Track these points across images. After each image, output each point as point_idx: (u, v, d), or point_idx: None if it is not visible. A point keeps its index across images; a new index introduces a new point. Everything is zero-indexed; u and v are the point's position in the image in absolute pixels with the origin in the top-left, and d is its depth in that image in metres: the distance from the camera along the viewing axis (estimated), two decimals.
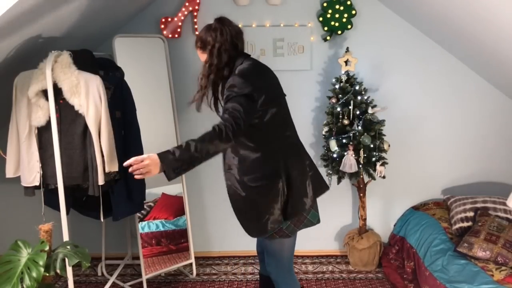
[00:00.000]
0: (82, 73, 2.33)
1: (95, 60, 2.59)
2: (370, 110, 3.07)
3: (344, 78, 3.12)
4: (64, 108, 2.36)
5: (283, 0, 3.23)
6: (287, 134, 2.11)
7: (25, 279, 1.67)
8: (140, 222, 3.07)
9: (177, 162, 1.83)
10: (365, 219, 3.34)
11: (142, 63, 3.14)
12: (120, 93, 2.68)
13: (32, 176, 2.42)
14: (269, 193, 2.00)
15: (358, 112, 3.06)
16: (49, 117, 2.33)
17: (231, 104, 1.89)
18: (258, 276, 2.33)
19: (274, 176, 2.01)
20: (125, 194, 2.73)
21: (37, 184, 2.43)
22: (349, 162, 3.00)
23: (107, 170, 2.40)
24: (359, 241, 3.30)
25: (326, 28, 3.26)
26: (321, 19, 3.25)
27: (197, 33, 2.05)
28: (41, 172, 2.42)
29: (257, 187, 2.00)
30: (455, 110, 3.43)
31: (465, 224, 2.97)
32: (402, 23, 3.32)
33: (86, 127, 2.37)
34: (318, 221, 2.19)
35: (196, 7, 3.21)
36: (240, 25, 3.32)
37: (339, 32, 3.26)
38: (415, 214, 3.38)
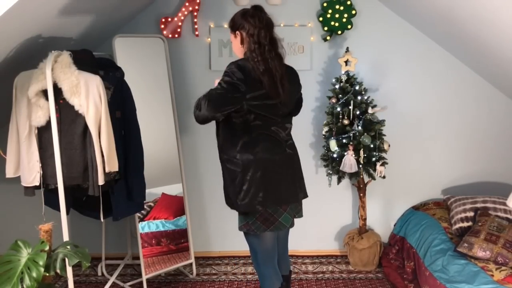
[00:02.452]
0: (82, 73, 2.33)
1: (95, 60, 2.59)
2: (370, 110, 3.07)
3: (344, 78, 3.12)
4: (64, 108, 2.35)
5: (283, 0, 3.24)
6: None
7: (25, 279, 1.67)
8: (140, 222, 3.07)
9: None
10: (365, 219, 3.35)
11: (142, 63, 3.14)
12: (120, 93, 2.67)
13: (32, 176, 2.42)
14: (236, 178, 2.14)
15: (358, 112, 3.06)
16: (49, 117, 2.32)
17: None
18: (258, 276, 2.36)
19: (242, 166, 2.12)
20: (125, 194, 2.73)
21: (37, 184, 2.42)
22: (349, 162, 3.00)
23: (107, 170, 2.40)
24: (359, 241, 3.30)
25: (326, 28, 3.26)
26: (321, 19, 3.25)
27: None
28: (41, 172, 2.41)
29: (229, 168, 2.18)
30: (455, 110, 3.43)
31: (465, 224, 2.97)
32: (402, 23, 3.32)
33: (86, 127, 2.37)
34: (291, 225, 2.22)
35: (196, 7, 3.21)
36: None
37: (339, 32, 3.26)
38: (415, 214, 3.38)
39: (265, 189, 2.09)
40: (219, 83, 2.03)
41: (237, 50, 2.18)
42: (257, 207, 2.09)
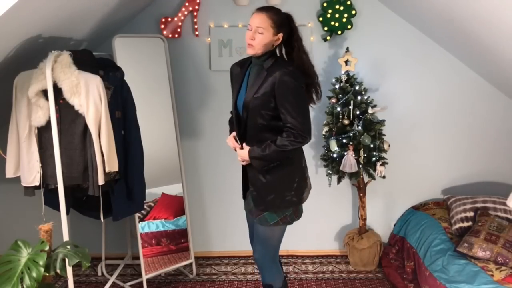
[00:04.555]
0: (82, 73, 2.33)
1: (95, 60, 2.59)
2: (370, 110, 3.07)
3: (344, 78, 3.12)
4: (64, 108, 2.36)
5: (283, 0, 3.24)
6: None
7: (25, 279, 1.67)
8: (140, 222, 3.07)
9: None
10: (365, 219, 3.35)
11: (142, 63, 3.14)
12: (120, 93, 2.67)
13: (32, 176, 2.42)
14: (287, 176, 2.24)
15: (358, 112, 3.06)
16: (49, 117, 2.33)
17: None
18: (258, 276, 2.37)
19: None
20: (125, 194, 2.73)
21: (37, 184, 2.42)
22: (349, 162, 3.00)
23: (107, 170, 2.40)
24: (359, 241, 3.30)
25: (326, 28, 3.26)
26: (321, 19, 3.25)
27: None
28: (41, 172, 2.41)
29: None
30: (455, 110, 3.43)
31: (465, 224, 2.97)
32: (402, 23, 3.32)
33: (86, 127, 2.37)
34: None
35: (196, 7, 3.21)
36: (240, 25, 3.35)
37: (339, 32, 3.26)
38: (415, 214, 3.38)
39: (306, 184, 2.27)
40: (294, 105, 2.08)
41: (266, 43, 2.10)
42: (303, 199, 2.27)
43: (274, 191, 2.18)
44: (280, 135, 2.09)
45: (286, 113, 2.06)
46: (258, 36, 2.08)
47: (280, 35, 2.12)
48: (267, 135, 2.13)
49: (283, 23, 2.13)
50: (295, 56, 2.16)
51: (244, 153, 2.16)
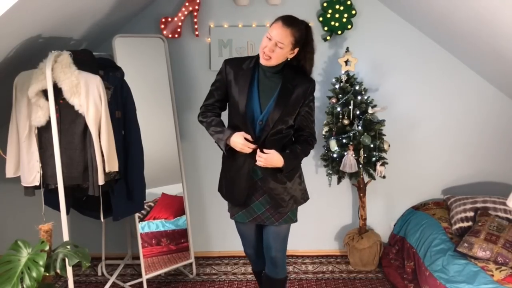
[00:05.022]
0: (82, 73, 2.33)
1: (95, 60, 2.59)
2: (370, 110, 3.07)
3: (344, 78, 3.12)
4: (64, 108, 2.36)
5: (283, 0, 3.24)
6: None
7: (25, 279, 1.67)
8: (140, 222, 3.07)
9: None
10: (365, 219, 3.35)
11: (142, 63, 3.14)
12: (120, 93, 2.68)
13: (32, 176, 2.42)
14: (301, 175, 2.36)
15: (358, 112, 3.06)
16: (49, 117, 2.33)
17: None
18: (282, 267, 2.40)
19: None
20: (125, 194, 2.73)
21: (37, 184, 2.43)
22: (349, 162, 3.00)
23: (107, 170, 2.40)
24: (359, 241, 3.30)
25: (326, 28, 3.26)
26: (321, 19, 3.25)
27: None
28: (41, 172, 2.41)
29: None
30: (455, 110, 3.43)
31: (465, 224, 2.97)
32: (402, 23, 3.32)
33: (86, 127, 2.37)
34: None
35: (196, 7, 3.21)
36: (240, 25, 3.35)
37: (339, 32, 3.26)
38: (415, 214, 3.38)
39: None
40: (313, 112, 2.23)
41: (281, 57, 2.09)
42: None
43: (294, 188, 2.24)
44: (289, 141, 2.21)
45: (310, 122, 2.22)
46: (278, 50, 2.05)
47: (296, 50, 2.11)
48: (283, 142, 2.20)
49: (302, 37, 2.10)
50: (307, 66, 2.16)
51: (276, 159, 2.07)
